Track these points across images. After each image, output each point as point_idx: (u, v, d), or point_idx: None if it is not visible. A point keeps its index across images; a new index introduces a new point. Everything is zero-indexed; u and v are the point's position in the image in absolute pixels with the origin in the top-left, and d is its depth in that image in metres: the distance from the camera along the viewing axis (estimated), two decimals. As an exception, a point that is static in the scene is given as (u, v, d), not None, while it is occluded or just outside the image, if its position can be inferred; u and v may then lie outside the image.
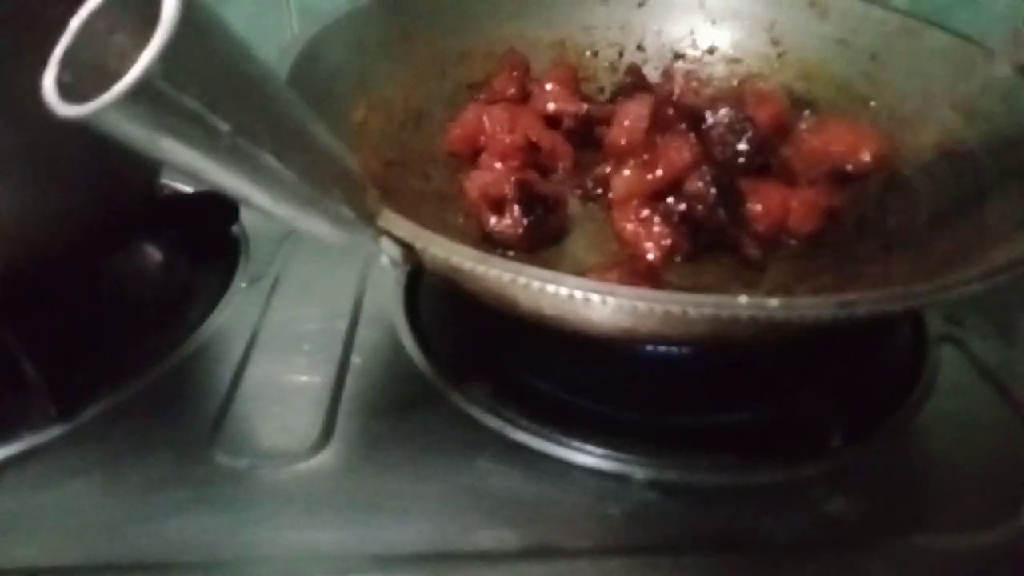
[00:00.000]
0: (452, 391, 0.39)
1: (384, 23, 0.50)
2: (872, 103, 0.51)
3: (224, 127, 0.22)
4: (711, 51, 0.57)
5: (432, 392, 0.39)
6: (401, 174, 0.47)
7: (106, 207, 0.42)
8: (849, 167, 0.47)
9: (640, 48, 0.58)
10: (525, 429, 0.37)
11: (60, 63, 0.21)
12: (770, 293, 0.39)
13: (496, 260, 0.28)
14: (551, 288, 0.27)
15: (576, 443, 0.36)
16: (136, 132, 0.21)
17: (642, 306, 0.26)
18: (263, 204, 0.26)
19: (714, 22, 0.57)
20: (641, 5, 0.57)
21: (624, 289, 0.26)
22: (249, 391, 0.40)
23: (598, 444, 0.36)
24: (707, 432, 0.38)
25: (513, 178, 0.43)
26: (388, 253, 0.30)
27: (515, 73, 0.53)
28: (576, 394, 0.39)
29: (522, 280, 0.27)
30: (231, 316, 0.45)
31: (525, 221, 0.42)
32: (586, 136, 0.51)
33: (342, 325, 0.44)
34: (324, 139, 0.27)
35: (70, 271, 0.43)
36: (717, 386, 0.40)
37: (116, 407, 0.39)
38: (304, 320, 0.44)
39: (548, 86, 0.53)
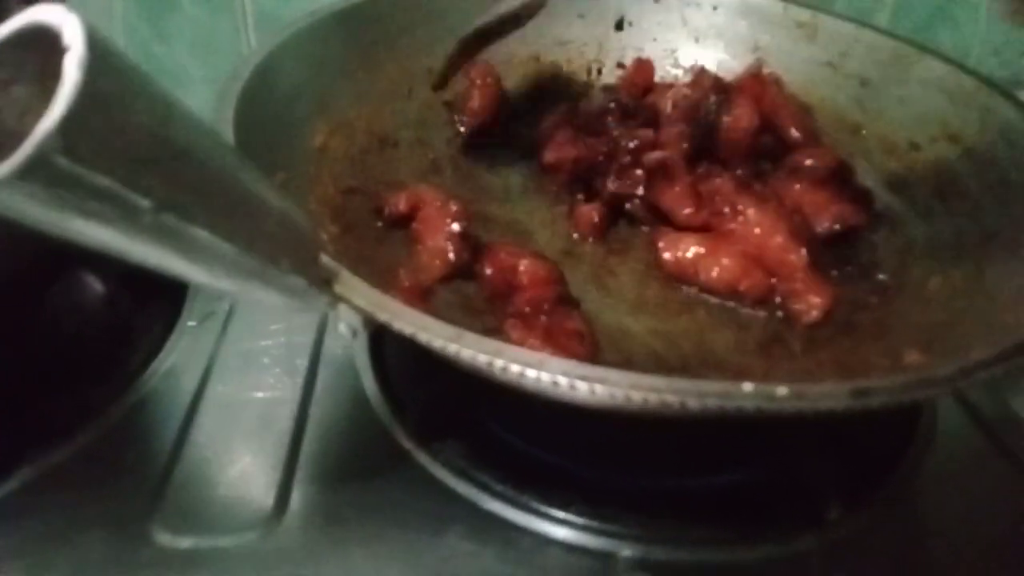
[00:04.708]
0: (421, 451, 0.36)
1: (346, 39, 0.45)
2: (863, 131, 0.48)
3: (144, 204, 0.19)
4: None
5: (399, 453, 0.36)
6: (363, 202, 0.43)
7: (35, 243, 0.38)
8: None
9: (620, 66, 0.55)
10: (500, 496, 0.34)
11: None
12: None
13: (471, 338, 0.24)
14: (531, 373, 0.23)
15: (555, 512, 0.33)
16: (34, 212, 0.18)
17: (636, 396, 0.23)
18: (199, 280, 0.22)
19: (697, 40, 0.54)
20: (619, 28, 0.54)
21: (616, 375, 0.23)
22: (195, 452, 0.36)
23: (580, 513, 0.33)
24: (699, 496, 0.35)
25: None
26: (346, 321, 0.26)
27: (487, 80, 0.50)
28: (556, 453, 0.36)
29: (500, 363, 0.24)
30: (178, 360, 0.41)
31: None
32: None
33: (300, 375, 0.40)
34: (269, 201, 0.23)
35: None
36: (708, 443, 0.38)
37: (42, 476, 0.35)
38: (258, 367, 0.40)
39: None
